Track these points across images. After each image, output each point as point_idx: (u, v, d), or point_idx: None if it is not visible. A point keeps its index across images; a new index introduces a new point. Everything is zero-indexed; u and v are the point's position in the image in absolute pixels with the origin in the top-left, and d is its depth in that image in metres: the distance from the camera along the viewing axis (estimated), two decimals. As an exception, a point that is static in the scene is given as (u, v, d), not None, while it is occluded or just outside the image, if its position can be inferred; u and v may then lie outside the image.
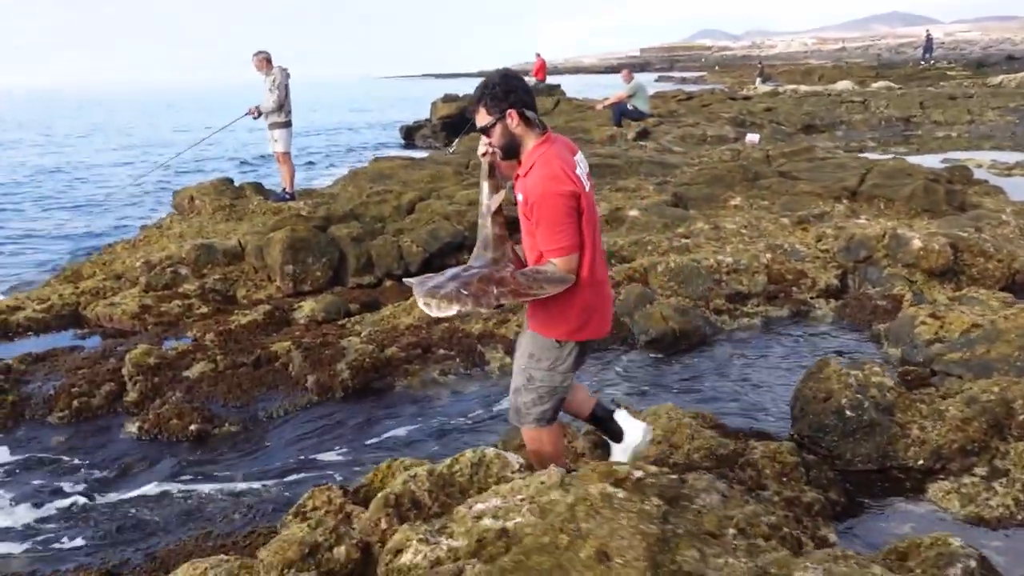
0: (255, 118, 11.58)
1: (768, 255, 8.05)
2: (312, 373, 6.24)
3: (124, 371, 6.39)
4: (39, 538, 4.46)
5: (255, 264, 8.84)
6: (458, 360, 6.51)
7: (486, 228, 3.46)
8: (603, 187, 11.84)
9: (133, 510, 4.73)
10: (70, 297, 8.35)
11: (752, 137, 14.99)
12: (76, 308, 8.22)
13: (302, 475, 5.00)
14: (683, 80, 64.82)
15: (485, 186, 3.52)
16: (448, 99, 29.39)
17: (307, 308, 7.62)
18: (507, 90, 3.19)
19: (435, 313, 3.09)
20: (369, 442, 5.39)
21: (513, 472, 3.49)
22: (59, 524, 4.59)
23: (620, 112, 17.84)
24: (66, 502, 4.83)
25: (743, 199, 10.36)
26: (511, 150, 3.28)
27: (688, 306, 7.21)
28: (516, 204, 3.34)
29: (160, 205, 15.70)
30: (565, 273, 3.14)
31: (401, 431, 5.52)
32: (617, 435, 3.99)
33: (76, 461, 5.32)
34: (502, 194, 3.46)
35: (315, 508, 3.88)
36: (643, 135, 16.03)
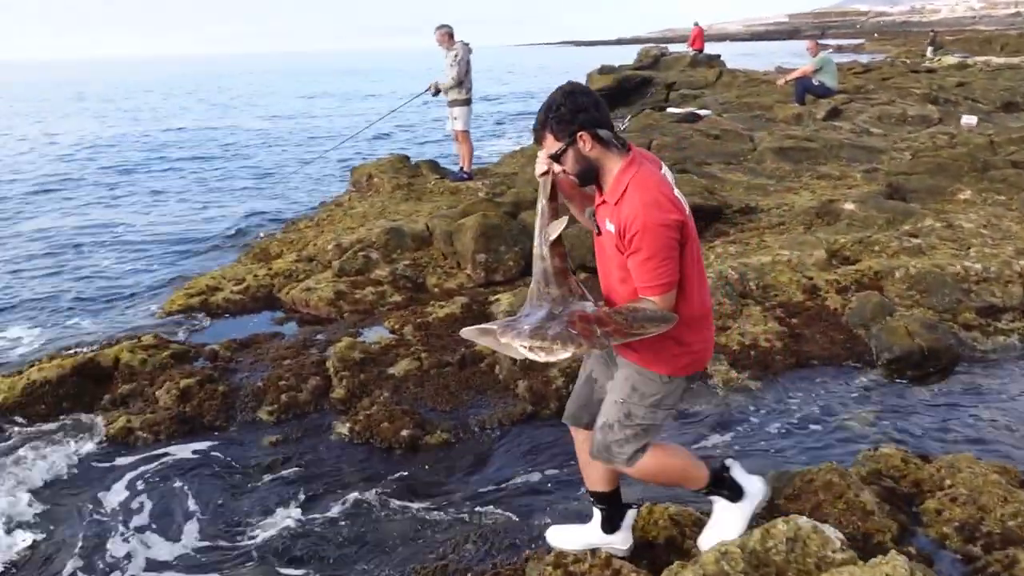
0: (434, 95, 11.31)
1: (1021, 262, 7.05)
2: (523, 378, 5.84)
3: (329, 365, 6.19)
4: (261, 554, 4.24)
5: (444, 250, 8.54)
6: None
7: (545, 261, 3.01)
8: (802, 174, 10.94)
9: (353, 527, 4.46)
10: (264, 279, 8.30)
11: (969, 120, 13.59)
12: (271, 291, 8.17)
13: (532, 500, 4.57)
14: (839, 48, 61.10)
15: (544, 210, 3.08)
16: (605, 71, 28.61)
17: (504, 302, 7.22)
18: (575, 109, 2.79)
19: (544, 358, 2.65)
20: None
21: (834, 551, 2.93)
22: (280, 540, 4.36)
23: (804, 88, 16.63)
24: (285, 514, 4.61)
25: (973, 192, 9.26)
26: (588, 176, 2.90)
27: (935, 320, 6.37)
28: (598, 234, 3.00)
29: (334, 181, 15.74)
30: (665, 311, 2.76)
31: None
32: (736, 492, 3.41)
33: (290, 466, 5.11)
34: (564, 221, 3.05)
35: (577, 561, 3.44)
36: (834, 114, 14.85)
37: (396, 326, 6.95)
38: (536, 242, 3.07)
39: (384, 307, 7.59)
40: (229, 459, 5.22)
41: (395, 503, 4.68)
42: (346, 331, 6.97)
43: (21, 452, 5.39)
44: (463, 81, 11.02)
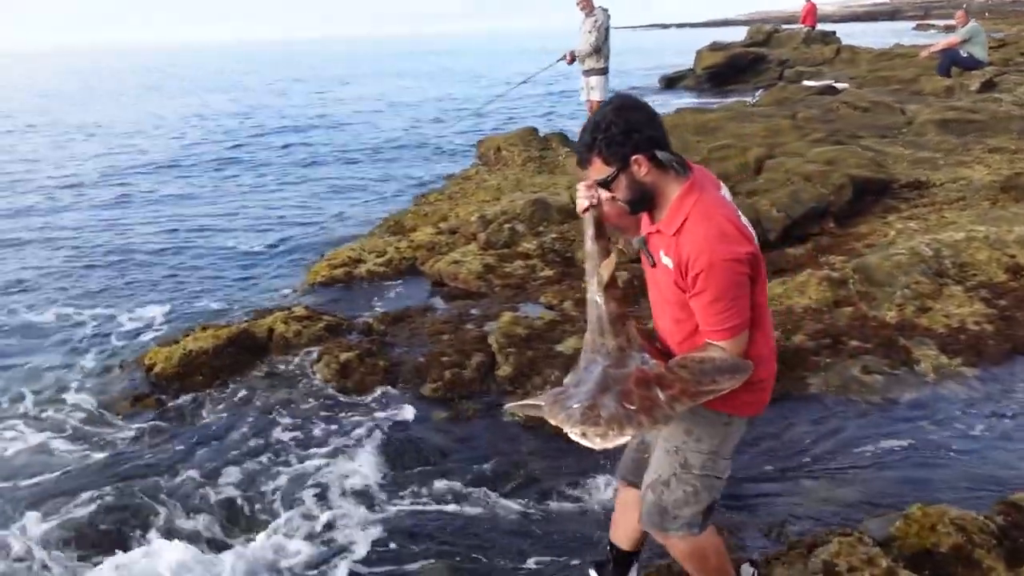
0: (570, 63, 10.84)
1: None
2: (706, 360, 5.33)
3: (492, 341, 5.81)
4: (445, 536, 3.89)
5: (592, 223, 8.07)
6: (878, 355, 5.35)
7: (599, 307, 2.55)
8: (971, 147, 10.06)
9: (538, 515, 4.06)
10: (407, 251, 8.01)
11: None
12: (413, 263, 7.87)
13: (762, 501, 4.07)
14: (947, 28, 57.89)
15: (592, 251, 2.60)
16: (715, 48, 27.68)
17: (668, 278, 6.70)
18: (628, 130, 2.33)
19: (601, 445, 2.21)
20: (811, 462, 4.38)
21: None
22: (466, 523, 3.99)
23: (951, 60, 15.50)
24: (471, 495, 4.26)
25: None
26: (642, 204, 2.45)
27: None
28: (652, 267, 2.54)
29: (457, 155, 15.40)
30: (738, 358, 2.36)
31: (846, 446, 4.47)
32: None
33: (465, 447, 4.76)
34: (614, 260, 2.56)
35: (852, 570, 2.94)
36: (988, 86, 13.75)
37: (555, 301, 6.54)
38: (590, 287, 2.63)
39: (536, 282, 7.19)
40: (398, 435, 4.90)
41: (573, 492, 4.27)
42: (501, 306, 6.59)
43: (181, 420, 5.22)
44: (601, 48, 10.51)
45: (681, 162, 2.40)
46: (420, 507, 4.20)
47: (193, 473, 4.57)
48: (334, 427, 5.04)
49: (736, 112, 11.84)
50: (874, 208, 8.27)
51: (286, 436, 4.96)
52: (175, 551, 3.75)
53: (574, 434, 2.25)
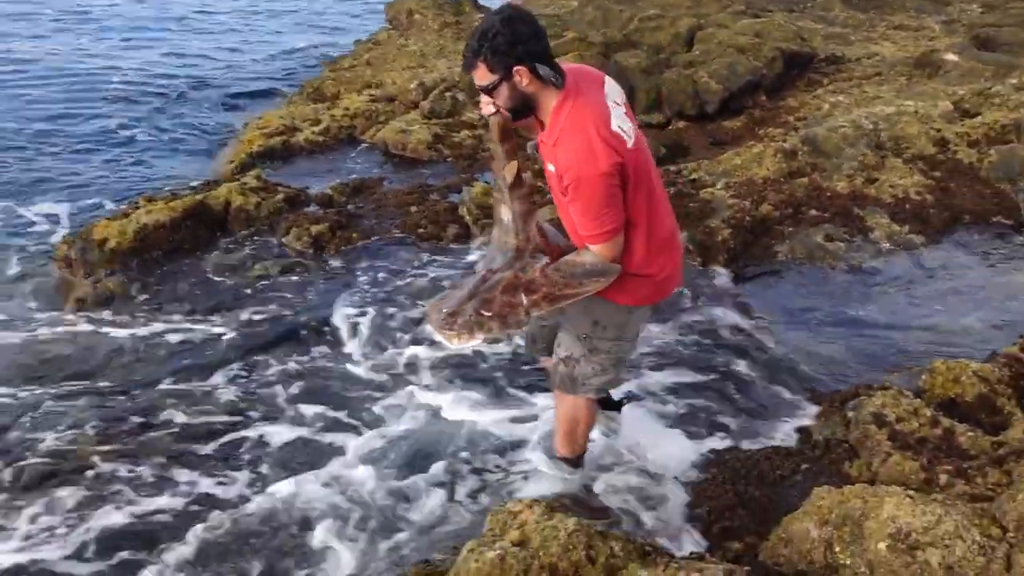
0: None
1: None
2: (681, 228, 5.49)
3: (464, 212, 5.76)
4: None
5: (531, 93, 7.96)
6: (836, 224, 5.68)
7: (505, 205, 2.73)
8: (876, 24, 10.47)
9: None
10: (343, 120, 7.68)
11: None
12: (352, 132, 7.57)
13: (762, 359, 4.32)
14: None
15: (498, 151, 2.75)
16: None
17: (622, 149, 6.77)
18: (513, 41, 2.39)
19: (456, 345, 2.61)
20: (810, 321, 4.66)
21: None
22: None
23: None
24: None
25: (1069, 45, 8.93)
26: (523, 112, 2.53)
27: (1084, 175, 6.16)
28: (545, 172, 2.66)
29: (365, 18, 14.45)
30: (609, 263, 2.55)
31: (832, 310, 4.78)
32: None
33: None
34: (516, 162, 2.69)
35: (900, 420, 3.22)
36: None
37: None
38: (495, 183, 2.79)
39: (486, 152, 7.07)
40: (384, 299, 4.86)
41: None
42: (459, 176, 6.51)
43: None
44: (520, -92, 10.07)
45: (560, 72, 2.47)
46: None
47: (194, 366, 4.36)
48: (319, 296, 4.91)
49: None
50: (797, 82, 8.54)
51: (276, 310, 4.80)
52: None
53: (437, 335, 2.62)
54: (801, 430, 3.54)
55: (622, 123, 2.49)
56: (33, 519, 3.19)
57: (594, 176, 2.39)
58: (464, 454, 3.50)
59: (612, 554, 2.41)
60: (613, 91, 2.58)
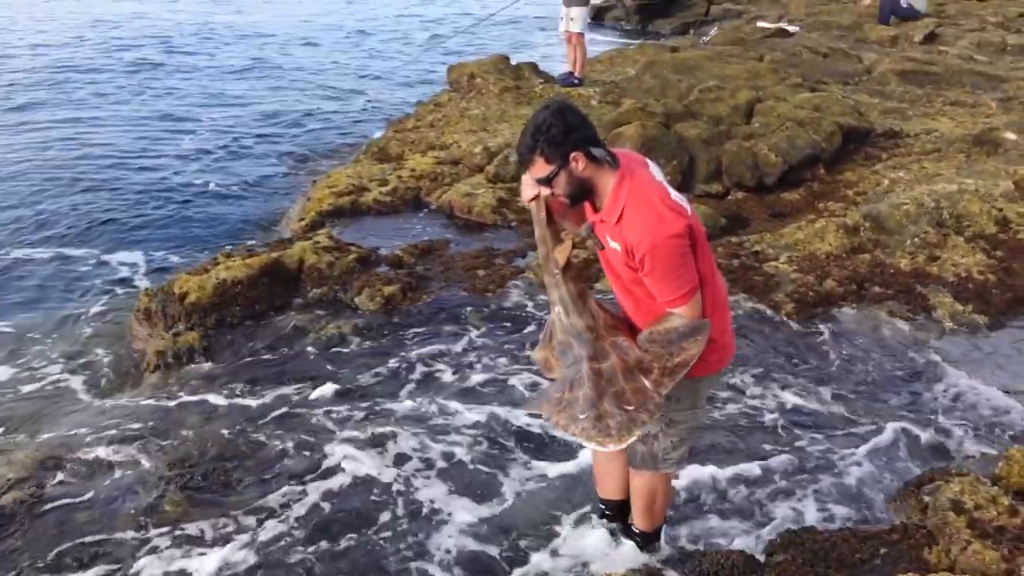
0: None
1: None
2: (746, 300, 5.58)
3: (531, 275, 5.89)
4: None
5: (592, 160, 8.14)
6: (900, 301, 5.72)
7: (560, 288, 2.84)
8: (933, 99, 10.56)
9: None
10: (410, 180, 7.90)
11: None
12: (418, 193, 7.78)
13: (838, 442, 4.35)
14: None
15: (545, 236, 2.86)
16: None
17: (683, 219, 6.88)
18: (566, 130, 2.57)
19: (615, 447, 2.63)
20: (858, 396, 4.68)
21: None
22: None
23: (891, 9, 15.99)
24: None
25: None
26: (581, 196, 2.70)
27: None
28: (601, 249, 2.80)
29: (418, 83, 14.81)
30: (697, 320, 2.66)
31: (900, 388, 4.79)
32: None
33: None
34: (569, 244, 2.85)
35: (978, 507, 3.24)
36: (930, 38, 14.31)
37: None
38: (546, 271, 2.91)
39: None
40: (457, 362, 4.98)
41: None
42: (524, 241, 6.66)
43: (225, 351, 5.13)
44: (583, -21, 10.39)
45: (612, 155, 2.63)
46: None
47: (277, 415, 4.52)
48: (395, 359, 5.04)
49: (712, 52, 11.96)
50: (855, 156, 8.64)
51: (353, 372, 4.93)
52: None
53: (592, 445, 2.69)
54: (878, 513, 3.56)
55: (676, 194, 2.68)
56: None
57: (668, 239, 2.52)
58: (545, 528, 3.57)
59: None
60: (657, 171, 2.76)
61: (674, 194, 2.67)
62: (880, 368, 5.01)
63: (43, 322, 5.97)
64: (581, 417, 2.64)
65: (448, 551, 3.45)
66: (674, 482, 3.55)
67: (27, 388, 5.03)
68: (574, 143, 2.56)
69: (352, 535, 3.54)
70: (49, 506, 3.73)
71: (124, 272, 6.95)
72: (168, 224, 7.95)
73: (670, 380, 2.63)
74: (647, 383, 2.64)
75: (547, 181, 2.63)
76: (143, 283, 6.58)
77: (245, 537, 3.52)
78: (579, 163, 2.58)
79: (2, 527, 3.59)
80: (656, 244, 2.52)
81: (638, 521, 3.25)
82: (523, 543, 3.49)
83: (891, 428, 4.32)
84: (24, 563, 3.39)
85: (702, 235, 2.71)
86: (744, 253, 6.24)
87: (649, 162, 2.78)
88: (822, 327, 5.44)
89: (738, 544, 3.42)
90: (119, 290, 6.59)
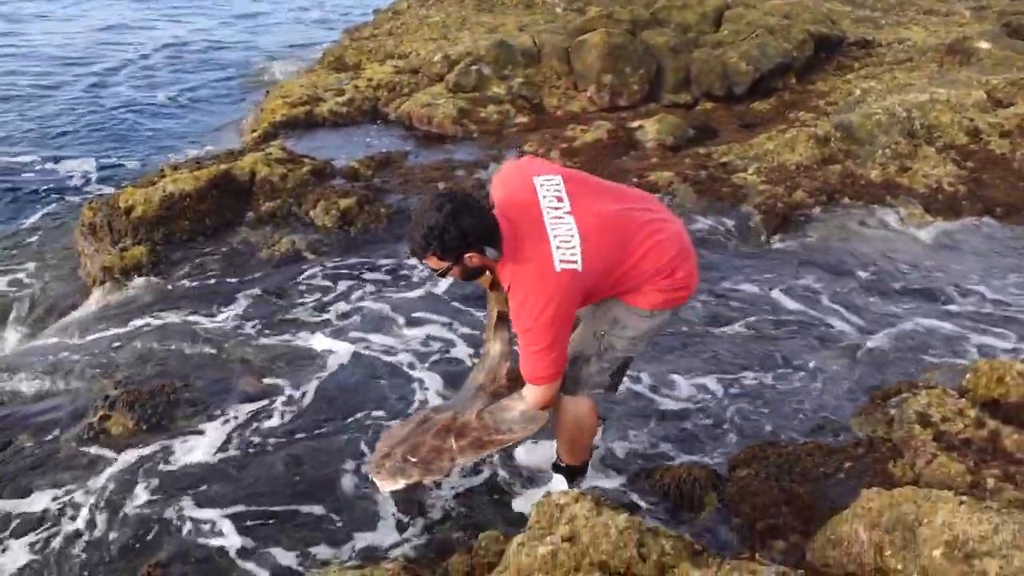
0: None
1: None
2: (711, 213, 5.44)
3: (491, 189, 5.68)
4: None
5: (558, 69, 7.87)
6: (869, 211, 5.62)
7: (486, 344, 3.00)
8: (906, 8, 10.31)
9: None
10: (367, 91, 7.60)
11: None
12: (375, 104, 7.49)
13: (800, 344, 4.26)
14: None
15: (489, 294, 2.94)
16: None
17: (651, 130, 6.71)
18: (462, 235, 2.44)
19: (382, 488, 2.76)
20: (844, 310, 4.60)
21: None
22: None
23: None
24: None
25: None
26: (475, 277, 2.70)
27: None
28: None
29: None
30: (534, 412, 2.67)
31: (867, 299, 4.71)
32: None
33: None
34: (503, 298, 2.79)
35: (945, 420, 3.18)
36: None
37: (540, 150, 6.41)
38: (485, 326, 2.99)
39: (512, 128, 7.02)
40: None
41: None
42: (485, 152, 6.43)
43: (185, 273, 4.92)
44: None
45: (499, 241, 2.49)
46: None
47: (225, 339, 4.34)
48: (351, 275, 4.86)
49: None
50: (827, 65, 8.44)
51: (304, 287, 4.74)
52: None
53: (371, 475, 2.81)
54: (842, 426, 3.50)
55: (565, 250, 2.48)
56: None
57: (533, 329, 2.48)
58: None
59: (663, 552, 2.38)
60: (549, 198, 2.55)
61: (559, 257, 2.47)
62: (849, 279, 4.91)
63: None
64: (378, 450, 2.85)
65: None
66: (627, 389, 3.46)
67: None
68: (468, 245, 2.46)
69: (311, 444, 3.40)
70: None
71: (74, 181, 6.67)
72: (117, 134, 7.65)
73: (473, 453, 2.72)
74: (453, 445, 2.71)
75: (442, 274, 2.59)
76: (92, 190, 6.32)
77: (195, 456, 3.37)
78: (473, 260, 2.51)
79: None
80: (522, 330, 2.52)
81: (563, 453, 3.01)
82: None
83: (857, 339, 4.25)
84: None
85: (620, 249, 2.57)
86: (712, 164, 6.07)
87: (538, 182, 2.58)
88: (790, 239, 5.32)
89: (700, 459, 3.34)
90: (69, 198, 6.32)
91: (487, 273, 2.68)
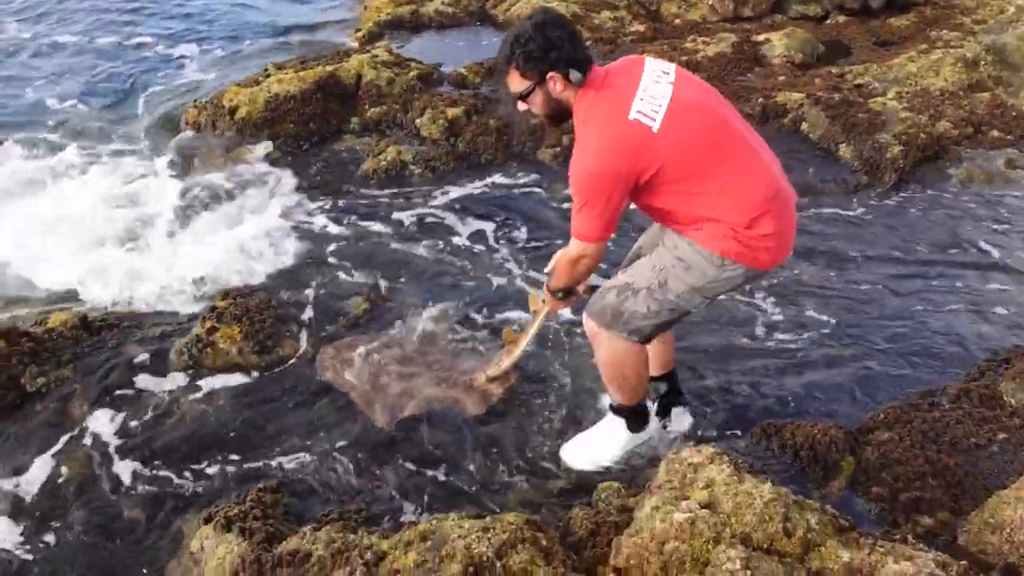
0: None
1: None
2: (846, 141, 5.02)
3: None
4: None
5: (679, -26, 7.34)
6: (1021, 147, 5.11)
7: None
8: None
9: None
10: (475, -9, 7.22)
11: None
12: (483, 5, 7.15)
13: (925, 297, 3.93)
14: None
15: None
16: None
17: (778, 45, 6.22)
18: (546, 47, 2.29)
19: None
20: (987, 265, 4.20)
21: None
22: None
23: None
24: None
25: None
26: (559, 117, 2.48)
27: None
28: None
29: None
30: (569, 261, 2.52)
31: (1013, 253, 4.29)
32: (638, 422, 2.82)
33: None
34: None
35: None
36: None
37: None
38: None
39: (627, 36, 6.60)
40: (521, 207, 4.58)
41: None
42: (599, 63, 6.05)
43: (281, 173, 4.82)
44: None
45: (586, 74, 2.33)
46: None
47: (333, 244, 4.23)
48: (454, 188, 4.69)
49: None
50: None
51: (408, 202, 4.58)
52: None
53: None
54: (990, 392, 3.19)
55: (649, 104, 2.28)
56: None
57: (587, 174, 2.30)
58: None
59: (809, 527, 2.19)
60: (655, 68, 2.38)
61: (638, 108, 2.26)
62: (998, 222, 4.49)
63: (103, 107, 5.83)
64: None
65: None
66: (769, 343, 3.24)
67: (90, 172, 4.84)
68: (552, 62, 2.30)
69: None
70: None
71: (179, 67, 6.59)
72: (221, 25, 7.44)
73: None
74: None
75: (523, 97, 2.41)
76: (197, 78, 6.26)
77: (302, 386, 3.30)
78: (556, 83, 2.34)
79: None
80: (575, 172, 2.33)
81: (612, 391, 2.74)
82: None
83: (1006, 295, 3.88)
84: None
85: (698, 137, 2.31)
86: (846, 86, 5.60)
87: (649, 61, 2.42)
88: (931, 176, 4.89)
89: (836, 417, 3.10)
90: (176, 81, 6.26)
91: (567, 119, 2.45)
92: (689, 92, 2.35)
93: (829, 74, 5.84)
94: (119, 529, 2.67)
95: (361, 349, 3.39)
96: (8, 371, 3.20)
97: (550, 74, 2.32)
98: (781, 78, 5.83)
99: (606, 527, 2.40)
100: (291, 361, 3.40)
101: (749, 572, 2.03)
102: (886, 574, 2.05)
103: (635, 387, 2.69)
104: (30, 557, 2.58)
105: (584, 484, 2.77)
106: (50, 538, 2.64)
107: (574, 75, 2.31)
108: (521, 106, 2.46)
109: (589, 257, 2.45)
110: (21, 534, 2.65)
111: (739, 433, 3.05)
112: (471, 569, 2.17)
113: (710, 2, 7.13)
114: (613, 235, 2.42)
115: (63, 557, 2.58)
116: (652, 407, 2.90)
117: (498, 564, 2.19)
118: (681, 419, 3.03)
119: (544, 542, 2.30)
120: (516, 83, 2.39)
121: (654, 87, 2.31)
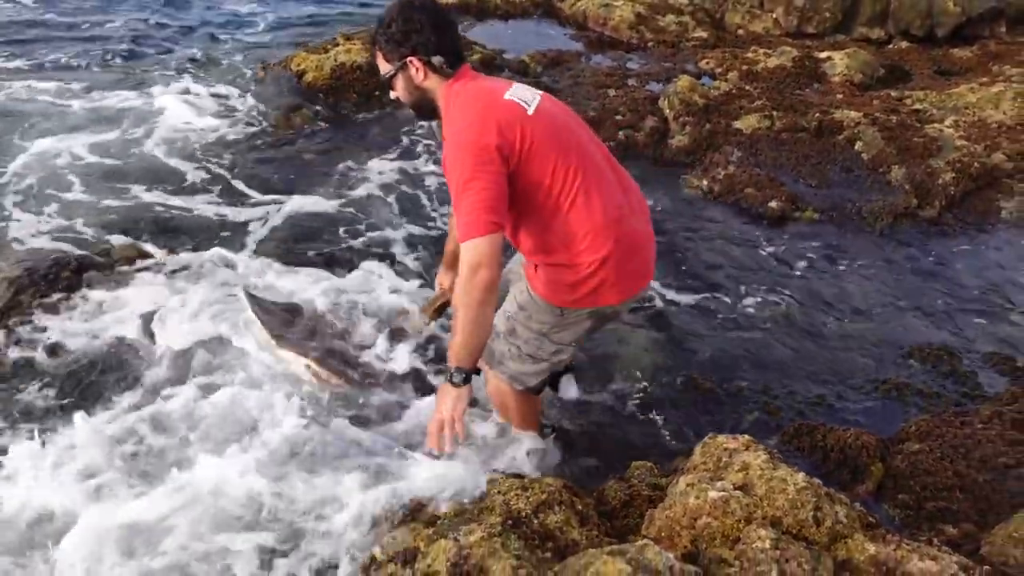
0: None
1: None
2: (900, 164, 5.05)
3: (664, 106, 5.44)
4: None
5: (745, -16, 7.39)
6: (1074, 188, 5.11)
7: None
8: None
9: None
10: (544, -16, 7.31)
11: None
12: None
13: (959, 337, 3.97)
14: None
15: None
16: None
17: (839, 64, 6.26)
18: (407, 29, 2.19)
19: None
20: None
21: None
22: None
23: None
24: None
25: None
26: (424, 108, 2.33)
27: None
28: None
29: None
30: (466, 267, 2.12)
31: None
32: None
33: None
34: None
35: None
36: None
37: (718, 69, 6.08)
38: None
39: (689, 42, 6.66)
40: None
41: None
42: (660, 65, 6.13)
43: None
44: None
45: (457, 61, 2.25)
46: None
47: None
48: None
49: None
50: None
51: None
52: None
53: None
54: (1023, 417, 3.23)
55: (523, 93, 2.23)
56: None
57: (461, 144, 2.11)
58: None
59: (837, 519, 2.25)
60: (525, 85, 2.31)
61: (512, 93, 2.21)
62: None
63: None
64: None
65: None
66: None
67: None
68: (414, 46, 2.20)
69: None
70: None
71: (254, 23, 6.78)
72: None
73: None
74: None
75: (388, 80, 2.29)
76: (265, 40, 6.44)
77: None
78: (417, 70, 2.22)
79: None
80: (447, 156, 2.15)
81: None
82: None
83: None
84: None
85: (557, 138, 2.20)
86: (904, 110, 5.62)
87: (515, 85, 2.30)
88: (981, 206, 4.91)
89: (867, 428, 3.15)
90: (245, 38, 6.46)
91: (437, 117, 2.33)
92: (557, 107, 2.31)
93: (888, 97, 5.87)
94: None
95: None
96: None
97: (410, 58, 2.21)
98: (839, 96, 5.86)
99: (639, 500, 2.47)
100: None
101: (778, 552, 2.10)
102: (911, 570, 2.11)
103: (518, 427, 2.69)
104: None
105: (617, 462, 2.85)
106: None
107: (437, 59, 2.21)
108: (392, 92, 2.35)
109: (485, 267, 2.09)
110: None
111: (770, 431, 3.12)
112: (509, 522, 2.26)
113: (775, 15, 7.17)
114: (505, 232, 2.22)
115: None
116: None
117: (535, 521, 2.27)
118: (567, 387, 3.09)
119: (579, 507, 2.39)
120: (381, 65, 2.30)
121: (524, 92, 2.25)
